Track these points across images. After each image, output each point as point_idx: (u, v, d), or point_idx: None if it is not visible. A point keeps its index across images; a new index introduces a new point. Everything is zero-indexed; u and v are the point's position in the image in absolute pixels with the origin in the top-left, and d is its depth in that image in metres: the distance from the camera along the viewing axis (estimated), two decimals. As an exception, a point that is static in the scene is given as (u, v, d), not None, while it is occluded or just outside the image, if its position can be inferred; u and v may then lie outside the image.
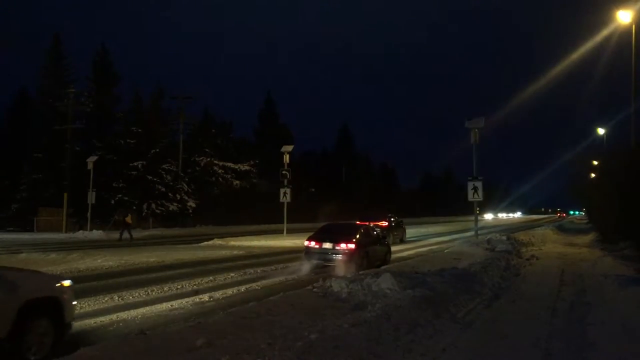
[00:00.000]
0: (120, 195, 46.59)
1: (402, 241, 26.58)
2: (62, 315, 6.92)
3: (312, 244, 16.51)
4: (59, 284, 7.19)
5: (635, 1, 21.65)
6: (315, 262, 15.99)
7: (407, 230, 31.00)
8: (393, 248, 20.83)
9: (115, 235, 31.89)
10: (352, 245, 15.81)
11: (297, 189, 39.27)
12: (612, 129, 38.18)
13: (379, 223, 23.73)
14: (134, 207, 47.48)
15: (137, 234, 38.54)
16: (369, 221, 22.70)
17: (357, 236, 16.39)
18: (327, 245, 16.13)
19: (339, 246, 15.83)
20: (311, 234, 17.42)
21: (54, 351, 6.38)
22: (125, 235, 30.66)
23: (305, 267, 15.81)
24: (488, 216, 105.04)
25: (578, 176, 39.41)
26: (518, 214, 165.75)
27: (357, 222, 21.71)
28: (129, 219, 31.88)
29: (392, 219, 27.62)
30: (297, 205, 43.17)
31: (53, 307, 6.84)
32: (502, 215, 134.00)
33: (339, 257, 15.69)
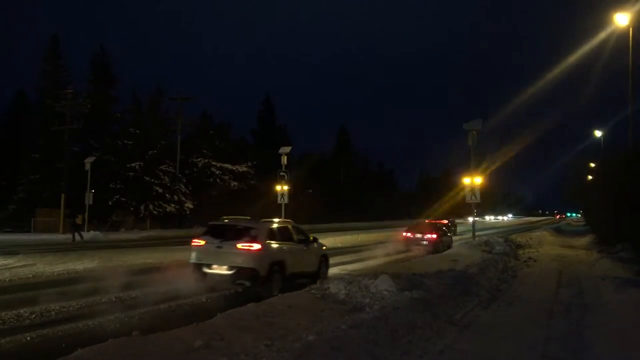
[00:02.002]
0: (117, 196, 46.53)
1: (455, 234, 32.63)
2: (327, 263, 15.08)
3: (409, 234, 25.94)
4: (325, 249, 15.18)
5: (633, 4, 21.70)
6: (411, 245, 24.59)
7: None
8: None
9: (114, 236, 31.82)
10: (434, 235, 25.18)
11: (295, 190, 39.23)
12: (609, 131, 38.28)
13: (442, 221, 30.70)
14: (132, 208, 47.41)
15: (135, 235, 38.55)
16: (438, 220, 31.37)
17: (437, 230, 26.02)
18: (419, 235, 25.43)
19: (426, 236, 25.18)
20: (406, 228, 27.49)
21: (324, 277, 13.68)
22: (77, 237, 30.63)
23: (401, 247, 24.61)
24: (472, 219, 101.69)
25: (575, 178, 39.47)
26: (508, 217, 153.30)
27: (432, 221, 30.41)
28: (79, 220, 31.86)
29: (449, 220, 35.51)
30: (295, 207, 43.14)
31: (325, 259, 14.86)
32: (490, 218, 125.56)
33: (426, 242, 24.70)
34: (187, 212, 51.40)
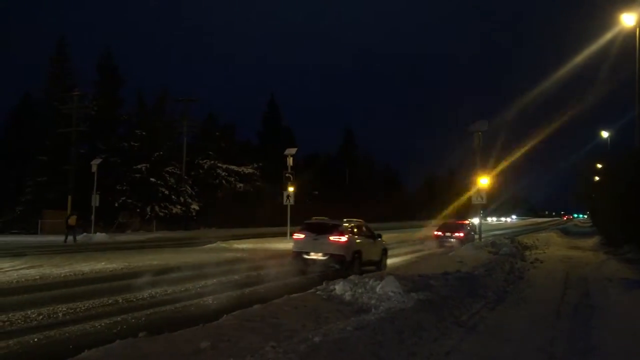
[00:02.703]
0: (124, 198, 46.69)
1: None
2: (386, 255, 18.42)
3: (440, 233, 29.90)
4: (385, 244, 18.61)
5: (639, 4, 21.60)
6: (441, 243, 28.70)
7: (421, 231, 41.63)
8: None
9: (121, 237, 31.89)
10: (461, 234, 29.02)
11: (300, 191, 39.26)
12: (616, 132, 38.11)
13: (465, 222, 32.81)
14: (138, 210, 47.54)
15: (141, 236, 38.64)
16: (462, 220, 33.72)
17: (464, 229, 29.84)
18: (448, 234, 29.44)
19: (455, 234, 29.18)
20: (438, 227, 31.67)
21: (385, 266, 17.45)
22: (70, 238, 30.64)
23: (434, 244, 28.74)
24: (474, 220, 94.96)
25: (582, 179, 39.31)
26: (512, 218, 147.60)
27: (458, 222, 32.72)
28: (72, 221, 31.73)
29: (470, 220, 37.64)
30: (300, 208, 43.15)
31: (385, 252, 18.23)
32: (492, 220, 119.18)
33: (454, 240, 28.42)
34: (193, 214, 51.53)
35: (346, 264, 15.54)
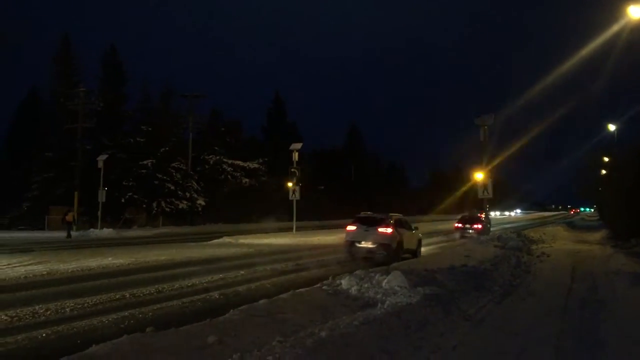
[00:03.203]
0: (130, 194, 46.81)
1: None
2: (421, 245, 20.75)
3: (460, 225, 32.57)
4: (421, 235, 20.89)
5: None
6: (462, 234, 30.85)
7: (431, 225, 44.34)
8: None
9: (127, 233, 32.01)
10: (479, 226, 31.28)
11: (306, 187, 39.27)
12: (623, 125, 37.86)
13: (481, 215, 34.63)
14: (144, 205, 47.66)
15: (147, 231, 38.77)
16: (480, 213, 35.50)
17: (481, 221, 32.11)
18: (467, 226, 32.06)
19: (473, 226, 31.64)
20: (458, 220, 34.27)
21: (419, 254, 19.93)
22: (69, 233, 30.99)
23: (457, 235, 30.85)
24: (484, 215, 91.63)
25: (588, 173, 39.18)
26: (516, 212, 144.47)
27: (477, 215, 35.25)
28: (69, 217, 32.04)
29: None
30: (306, 203, 43.17)
31: (419, 242, 20.48)
32: (496, 214, 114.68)
33: (472, 231, 30.73)
34: (199, 209, 51.61)
35: (391, 252, 17.84)
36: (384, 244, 17.95)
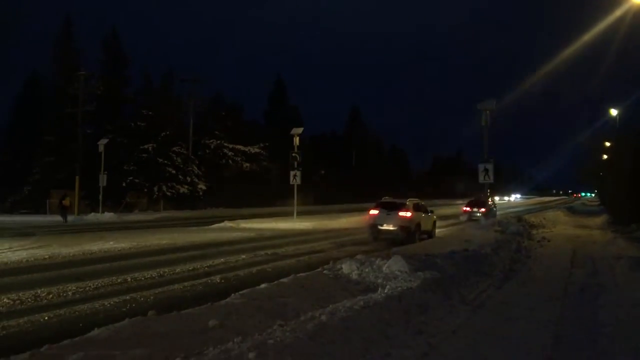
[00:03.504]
0: (131, 178, 46.83)
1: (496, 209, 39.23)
2: (435, 226, 22.67)
3: (468, 208, 35.64)
4: (435, 218, 22.61)
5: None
6: (467, 217, 34.19)
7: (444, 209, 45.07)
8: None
9: (128, 217, 32.05)
10: (484, 209, 32.81)
11: (307, 171, 39.26)
12: (625, 110, 37.68)
13: (489, 200, 37.10)
14: (145, 190, 47.69)
15: (148, 216, 38.84)
16: (488, 198, 36.84)
17: (486, 205, 33.61)
18: (475, 209, 34.81)
19: (480, 210, 33.68)
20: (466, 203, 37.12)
21: (434, 235, 22.02)
22: (65, 217, 31.10)
23: (465, 217, 34.23)
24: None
25: (590, 157, 39.10)
26: (516, 197, 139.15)
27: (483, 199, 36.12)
28: (66, 202, 32.16)
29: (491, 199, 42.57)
30: (307, 188, 43.20)
31: (434, 224, 22.41)
32: (495, 199, 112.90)
33: (479, 214, 33.22)
34: (200, 194, 51.64)
35: (410, 233, 19.83)
36: (404, 226, 19.88)
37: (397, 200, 21.23)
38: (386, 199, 21.93)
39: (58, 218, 31.93)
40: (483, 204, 34.90)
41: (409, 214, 20.14)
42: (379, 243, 19.11)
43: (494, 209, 35.43)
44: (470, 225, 27.31)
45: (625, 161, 26.52)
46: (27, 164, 46.46)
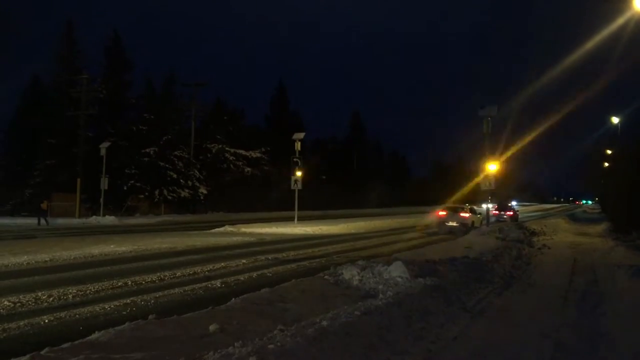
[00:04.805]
0: (132, 181, 46.88)
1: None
2: (481, 224, 30.47)
3: (496, 212, 40.95)
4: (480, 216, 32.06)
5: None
6: (496, 219, 38.14)
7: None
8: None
9: (129, 220, 32.06)
10: (511, 213, 42.90)
11: (308, 176, 39.29)
12: (627, 118, 37.71)
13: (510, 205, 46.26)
14: (146, 193, 47.72)
15: (149, 219, 38.88)
16: (511, 203, 48.47)
17: (514, 209, 44.51)
18: (502, 212, 42.36)
19: (507, 213, 42.63)
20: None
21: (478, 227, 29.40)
22: (42, 221, 31.06)
23: (493, 219, 36.07)
24: (483, 206, 79.58)
25: (591, 165, 39.12)
26: (512, 205, 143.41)
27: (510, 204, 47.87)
28: (44, 206, 32.21)
29: (514, 204, 53.42)
30: (308, 193, 43.16)
31: (480, 221, 30.84)
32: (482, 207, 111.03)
33: (507, 217, 41.20)
34: (201, 198, 51.71)
35: (467, 228, 27.84)
36: (463, 223, 28.73)
37: (458, 205, 31.91)
38: (450, 204, 30.97)
39: (59, 221, 32.02)
40: (510, 207, 44.57)
41: (467, 214, 29.54)
42: (387, 248, 19.35)
43: (517, 212, 44.28)
44: (471, 232, 27.49)
45: (627, 169, 26.52)
46: (28, 167, 46.52)
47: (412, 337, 6.82)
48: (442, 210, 29.85)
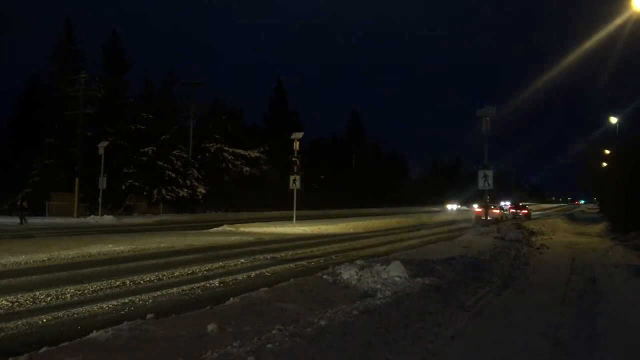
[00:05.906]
0: (131, 181, 46.85)
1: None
2: (507, 219, 44.40)
3: (512, 210, 52.04)
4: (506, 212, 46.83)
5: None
6: (512, 216, 47.37)
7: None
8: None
9: (128, 220, 32.02)
10: (526, 211, 53.18)
11: (307, 176, 39.28)
12: (625, 118, 37.74)
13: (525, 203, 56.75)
14: (145, 193, 47.67)
15: (148, 219, 38.85)
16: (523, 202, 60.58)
17: (527, 207, 56.48)
18: (518, 210, 52.29)
19: (522, 211, 52.56)
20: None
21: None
22: (23, 220, 31.04)
23: (510, 216, 47.04)
24: (451, 207, 78.91)
25: (589, 165, 39.14)
26: (505, 204, 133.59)
27: (521, 203, 58.51)
28: (24, 204, 32.25)
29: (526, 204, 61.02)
30: (306, 193, 43.18)
31: (506, 217, 45.48)
32: (475, 207, 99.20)
33: (521, 215, 49.90)
34: (200, 197, 51.68)
35: (499, 221, 33.55)
36: (495, 217, 35.26)
37: (490, 204, 35.36)
38: (484, 203, 32.15)
39: (58, 220, 31.98)
40: (523, 206, 52.65)
41: (497, 211, 39.35)
42: (386, 248, 19.41)
43: (529, 211, 52.94)
44: (469, 231, 27.59)
45: (625, 169, 26.54)
46: (26, 166, 46.47)
47: (411, 336, 6.82)
48: (479, 208, 37.24)
